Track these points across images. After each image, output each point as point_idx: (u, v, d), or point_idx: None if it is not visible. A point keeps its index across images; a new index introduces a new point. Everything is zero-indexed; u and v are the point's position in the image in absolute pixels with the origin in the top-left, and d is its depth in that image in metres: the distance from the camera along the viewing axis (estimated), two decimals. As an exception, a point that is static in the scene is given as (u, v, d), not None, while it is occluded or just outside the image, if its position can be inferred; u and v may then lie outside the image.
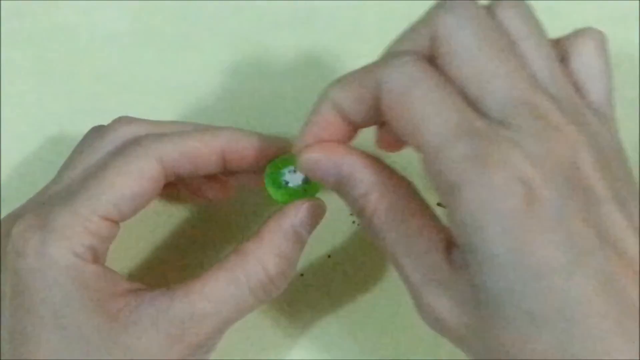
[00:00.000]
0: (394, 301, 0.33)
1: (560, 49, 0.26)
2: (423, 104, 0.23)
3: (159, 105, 0.36)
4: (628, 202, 0.23)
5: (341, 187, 0.26)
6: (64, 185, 0.28)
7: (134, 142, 0.28)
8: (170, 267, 0.34)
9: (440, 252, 0.24)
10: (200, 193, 0.32)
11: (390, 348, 0.32)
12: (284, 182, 0.28)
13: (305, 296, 0.33)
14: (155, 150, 0.27)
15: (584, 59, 0.26)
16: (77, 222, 0.26)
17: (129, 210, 0.27)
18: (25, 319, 0.25)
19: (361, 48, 0.37)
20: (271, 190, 0.29)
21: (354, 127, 0.26)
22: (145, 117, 0.34)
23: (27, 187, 0.35)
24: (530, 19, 0.25)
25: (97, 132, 0.30)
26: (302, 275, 0.33)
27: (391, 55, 0.25)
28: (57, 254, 0.25)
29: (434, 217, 0.24)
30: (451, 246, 0.24)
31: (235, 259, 0.27)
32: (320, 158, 0.26)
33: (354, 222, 0.34)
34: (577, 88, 0.26)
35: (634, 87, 0.36)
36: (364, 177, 0.25)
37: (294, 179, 0.29)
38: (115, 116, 0.35)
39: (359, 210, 0.26)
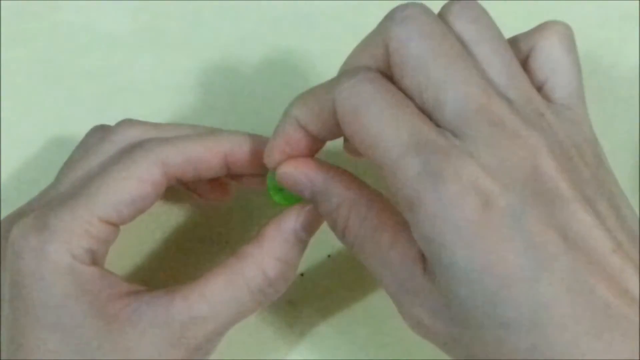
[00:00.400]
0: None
1: (525, 45, 0.26)
2: (375, 123, 0.23)
3: (159, 105, 0.36)
4: (596, 201, 0.23)
5: (315, 201, 0.26)
6: (65, 187, 0.28)
7: (137, 146, 0.28)
8: (169, 267, 0.34)
9: (414, 262, 0.24)
10: (200, 194, 0.32)
11: (391, 348, 0.32)
12: None
13: (305, 296, 0.33)
14: (157, 154, 0.27)
15: (547, 54, 0.26)
16: (76, 224, 0.26)
17: (129, 214, 0.27)
18: (24, 320, 0.25)
19: (361, 48, 0.37)
20: (273, 193, 0.29)
21: (319, 141, 0.27)
22: (145, 117, 0.34)
23: (27, 187, 0.35)
24: (484, 21, 0.25)
25: (100, 132, 0.30)
26: (302, 275, 0.33)
27: (345, 72, 0.25)
28: (56, 255, 0.25)
29: (407, 229, 0.24)
30: (425, 257, 0.24)
31: (235, 262, 0.27)
32: (295, 173, 0.26)
33: (353, 222, 0.34)
34: (541, 85, 0.26)
35: (634, 87, 0.36)
36: (335, 191, 0.26)
37: None
38: (115, 116, 0.35)
39: (331, 223, 0.26)
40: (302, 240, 0.28)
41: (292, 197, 0.28)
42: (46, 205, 0.27)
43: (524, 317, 0.21)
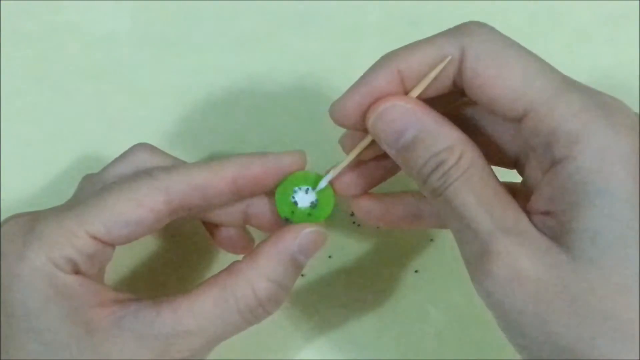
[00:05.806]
0: (394, 301, 0.33)
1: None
2: (523, 64, 0.24)
3: (158, 105, 0.36)
4: None
5: (417, 142, 0.25)
6: (77, 198, 0.28)
7: (145, 172, 0.27)
8: (165, 276, 0.34)
9: (519, 209, 0.24)
10: (221, 244, 0.32)
11: (390, 348, 0.32)
12: (292, 201, 0.28)
13: (306, 296, 0.33)
14: (161, 181, 0.27)
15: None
16: (61, 233, 0.25)
17: (122, 235, 0.26)
18: (5, 320, 0.25)
19: (361, 48, 0.37)
20: (278, 206, 0.28)
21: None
22: (144, 117, 0.34)
23: (27, 187, 0.35)
24: None
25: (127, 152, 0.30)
26: (302, 275, 0.33)
27: (458, 27, 0.25)
28: (36, 259, 0.25)
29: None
30: (530, 213, 0.24)
31: (226, 278, 0.26)
32: (405, 107, 0.25)
33: (354, 222, 0.34)
34: None
35: (634, 87, 0.36)
36: (448, 131, 0.25)
37: (303, 200, 0.28)
38: (115, 116, 0.35)
39: (436, 164, 0.24)
40: (298, 263, 0.27)
41: (295, 214, 0.28)
42: (42, 212, 0.27)
43: None
